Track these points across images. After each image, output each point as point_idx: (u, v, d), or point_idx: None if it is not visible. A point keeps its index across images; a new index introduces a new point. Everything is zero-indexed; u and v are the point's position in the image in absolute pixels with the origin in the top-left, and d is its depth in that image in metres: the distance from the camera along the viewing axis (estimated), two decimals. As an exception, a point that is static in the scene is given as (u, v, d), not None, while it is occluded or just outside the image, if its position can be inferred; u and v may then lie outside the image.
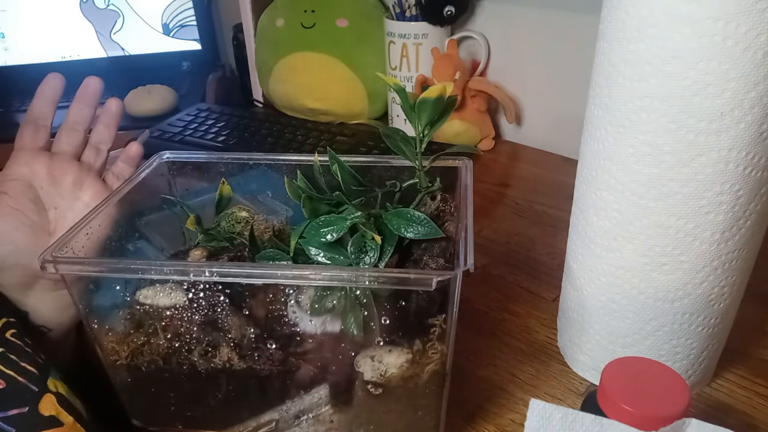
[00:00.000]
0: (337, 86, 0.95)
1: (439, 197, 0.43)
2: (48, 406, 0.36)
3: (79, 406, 0.39)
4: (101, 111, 0.53)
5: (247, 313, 0.38)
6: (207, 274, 0.35)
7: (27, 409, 0.35)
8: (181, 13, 1.27)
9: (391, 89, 0.93)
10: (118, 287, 0.39)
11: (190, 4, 1.27)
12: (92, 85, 0.51)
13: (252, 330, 0.38)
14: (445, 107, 0.40)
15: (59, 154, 0.49)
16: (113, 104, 0.53)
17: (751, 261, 0.41)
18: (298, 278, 0.35)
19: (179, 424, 0.44)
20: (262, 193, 0.51)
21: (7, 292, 0.45)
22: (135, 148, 0.54)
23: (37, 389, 0.37)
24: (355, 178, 0.41)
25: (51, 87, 0.49)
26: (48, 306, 0.47)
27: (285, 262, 0.39)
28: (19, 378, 0.36)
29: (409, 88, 0.91)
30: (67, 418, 0.37)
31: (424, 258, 0.40)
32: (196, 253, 0.43)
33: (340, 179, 0.40)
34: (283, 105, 1.02)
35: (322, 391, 0.39)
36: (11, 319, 0.40)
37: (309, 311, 0.37)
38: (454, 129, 0.87)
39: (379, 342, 0.37)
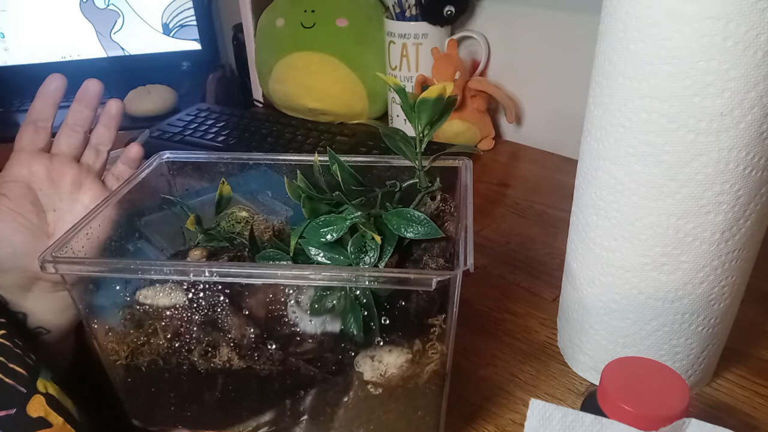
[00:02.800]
0: (337, 86, 0.95)
1: (439, 197, 0.43)
2: (36, 407, 0.36)
3: (69, 407, 0.39)
4: (101, 112, 0.53)
5: (247, 313, 0.38)
6: (207, 274, 0.35)
7: (14, 411, 0.35)
8: (181, 13, 1.27)
9: (391, 89, 0.93)
10: (118, 287, 0.39)
11: (190, 4, 1.27)
12: (92, 87, 0.51)
13: (252, 330, 0.38)
14: (445, 107, 0.40)
15: (58, 156, 0.49)
16: (113, 105, 0.53)
17: (751, 261, 0.41)
18: (298, 278, 0.35)
19: (179, 424, 0.44)
20: (262, 193, 0.51)
21: (6, 293, 0.45)
22: (135, 150, 0.54)
23: (25, 390, 0.37)
24: (355, 178, 0.41)
25: (52, 88, 0.49)
26: (47, 308, 0.47)
27: (285, 262, 0.39)
28: (7, 379, 0.36)
29: (409, 88, 0.91)
30: (56, 419, 0.37)
31: (424, 258, 0.40)
32: (196, 253, 0.43)
33: (340, 179, 0.40)
34: (283, 105, 1.02)
35: (321, 391, 0.39)
36: (1, 320, 0.40)
37: (309, 311, 0.37)
38: (454, 129, 0.87)
39: (379, 342, 0.37)
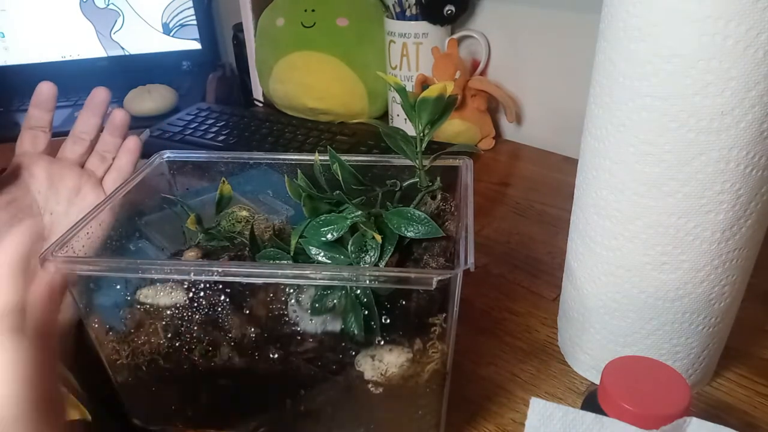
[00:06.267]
0: (337, 85, 0.95)
1: (439, 196, 0.43)
2: None
3: (73, 381, 0.39)
4: (107, 121, 0.53)
5: (247, 312, 0.38)
6: (207, 273, 0.35)
7: None
8: (181, 12, 1.27)
9: (392, 88, 0.93)
10: (118, 286, 0.39)
11: (190, 4, 1.26)
12: (99, 95, 0.52)
13: (252, 329, 0.38)
14: (445, 106, 0.40)
15: (60, 160, 0.49)
16: (118, 115, 0.53)
17: (751, 260, 0.41)
18: (299, 277, 0.35)
19: (179, 423, 0.44)
20: (263, 192, 0.51)
21: None
22: (133, 142, 0.54)
23: None
24: (355, 177, 0.41)
25: (44, 97, 0.50)
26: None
27: (285, 262, 0.39)
28: None
29: (409, 88, 0.91)
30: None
31: (425, 257, 0.40)
32: (191, 254, 0.43)
33: (340, 178, 0.40)
34: (283, 104, 1.02)
35: (322, 391, 0.39)
36: None
37: (309, 310, 0.37)
38: (454, 128, 0.87)
39: (379, 341, 0.37)
